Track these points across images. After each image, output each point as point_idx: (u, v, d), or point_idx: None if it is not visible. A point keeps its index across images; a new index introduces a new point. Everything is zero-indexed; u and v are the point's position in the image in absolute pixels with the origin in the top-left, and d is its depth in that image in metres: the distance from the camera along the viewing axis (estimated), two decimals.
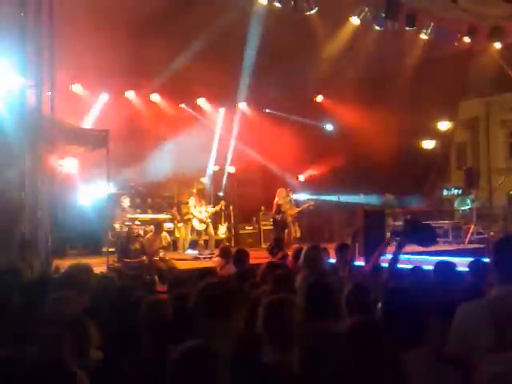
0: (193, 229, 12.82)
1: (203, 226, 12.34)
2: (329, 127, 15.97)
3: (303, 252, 5.45)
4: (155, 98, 15.12)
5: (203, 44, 11.40)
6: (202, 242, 12.30)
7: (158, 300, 3.39)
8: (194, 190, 12.98)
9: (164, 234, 10.34)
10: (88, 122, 13.40)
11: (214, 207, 13.00)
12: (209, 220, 12.51)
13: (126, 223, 11.19)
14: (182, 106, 15.42)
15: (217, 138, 16.06)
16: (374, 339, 2.31)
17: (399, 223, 15.13)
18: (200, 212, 12.42)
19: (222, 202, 13.18)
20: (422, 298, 2.77)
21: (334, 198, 15.38)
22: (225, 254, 7.80)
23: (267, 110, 16.30)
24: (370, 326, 2.38)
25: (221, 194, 15.20)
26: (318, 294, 3.36)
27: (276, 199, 13.17)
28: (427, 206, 15.87)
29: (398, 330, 2.44)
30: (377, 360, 2.24)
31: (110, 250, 10.80)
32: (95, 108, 13.98)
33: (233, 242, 14.49)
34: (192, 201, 12.58)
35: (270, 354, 2.52)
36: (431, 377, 2.30)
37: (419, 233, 4.39)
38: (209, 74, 12.91)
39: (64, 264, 7.11)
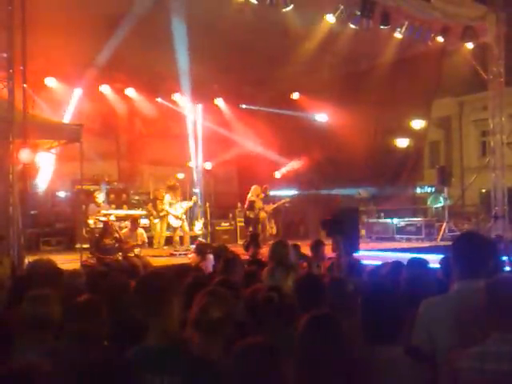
0: (168, 225, 12.74)
1: (179, 223, 12.27)
2: (310, 118, 15.94)
3: (270, 246, 5.54)
4: (130, 92, 14.94)
5: (179, 39, 11.32)
6: (177, 238, 12.23)
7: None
8: (171, 183, 12.86)
9: (140, 230, 10.24)
10: (62, 117, 13.19)
11: (188, 202, 12.91)
12: (183, 216, 12.42)
13: (101, 219, 11.04)
14: (159, 100, 15.33)
15: (193, 134, 15.95)
16: (329, 333, 2.30)
17: (372, 220, 15.32)
18: (175, 208, 12.33)
19: (195, 198, 13.15)
20: (399, 293, 2.79)
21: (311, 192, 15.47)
22: (200, 250, 7.82)
23: (243, 106, 16.26)
24: (324, 320, 2.36)
25: (196, 190, 15.09)
26: (309, 288, 3.41)
27: (249, 195, 13.15)
28: (400, 204, 16.02)
29: (377, 325, 2.43)
30: (331, 354, 2.23)
31: (84, 246, 10.66)
32: (69, 102, 13.75)
33: (209, 238, 14.45)
34: (167, 197, 12.51)
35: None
36: (404, 373, 2.30)
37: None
38: (185, 70, 12.85)
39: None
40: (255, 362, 2.09)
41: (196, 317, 2.60)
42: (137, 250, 9.91)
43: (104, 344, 2.90)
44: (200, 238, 13.00)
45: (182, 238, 12.49)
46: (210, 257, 7.76)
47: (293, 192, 15.77)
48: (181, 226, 12.34)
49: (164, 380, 2.23)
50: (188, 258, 8.91)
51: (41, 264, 4.54)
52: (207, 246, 8.26)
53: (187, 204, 12.70)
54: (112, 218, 10.45)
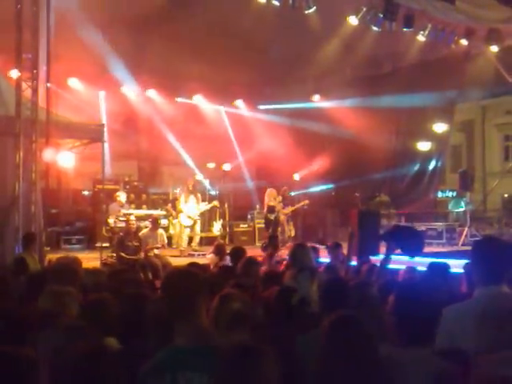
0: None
1: (190, 222, 12.28)
2: (325, 127, 15.92)
3: (290, 250, 5.46)
4: (152, 93, 15.08)
5: (200, 40, 11.39)
6: (185, 237, 12.25)
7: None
8: (190, 187, 12.89)
9: (160, 231, 10.30)
10: (85, 117, 13.35)
11: (207, 205, 12.93)
12: (197, 217, 12.38)
13: (121, 218, 11.13)
14: (179, 100, 15.41)
15: (213, 135, 16.03)
16: (354, 333, 2.29)
17: (390, 224, 15.22)
18: (190, 208, 12.34)
19: (216, 202, 13.11)
20: (435, 295, 2.76)
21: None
22: (219, 251, 7.86)
23: (261, 107, 16.30)
24: (350, 320, 2.36)
25: (213, 192, 15.15)
26: (336, 291, 3.43)
27: (266, 199, 13.20)
28: (422, 208, 15.89)
29: (410, 327, 2.41)
30: (357, 356, 2.22)
31: (104, 245, 10.74)
32: (92, 103, 13.92)
33: (227, 239, 14.45)
34: (182, 197, 12.55)
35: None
36: (431, 376, 2.29)
37: (406, 240, 4.45)
38: (205, 71, 12.90)
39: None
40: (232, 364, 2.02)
41: (214, 315, 2.60)
42: (157, 250, 9.97)
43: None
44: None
45: (191, 238, 12.50)
46: (227, 258, 7.82)
47: (313, 191, 15.61)
48: (193, 227, 12.34)
49: (203, 377, 2.24)
50: (206, 258, 8.91)
51: (64, 261, 4.60)
52: (225, 247, 8.30)
53: (205, 206, 12.71)
54: (132, 217, 10.55)
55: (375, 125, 14.61)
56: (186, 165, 15.63)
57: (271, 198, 13.14)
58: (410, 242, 4.52)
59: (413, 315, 2.40)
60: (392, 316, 2.47)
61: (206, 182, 14.87)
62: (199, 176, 14.31)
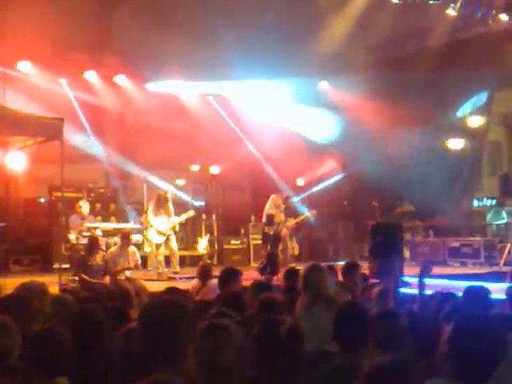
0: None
1: (161, 240, 12.24)
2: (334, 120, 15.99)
3: (303, 273, 5.38)
4: (121, 80, 15.03)
5: (183, 19, 11.41)
6: (160, 257, 12.25)
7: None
8: (169, 195, 12.89)
9: (132, 249, 10.29)
10: (38, 109, 13.28)
11: (182, 216, 12.80)
12: (170, 232, 12.34)
13: (84, 233, 11.11)
14: (152, 87, 15.39)
15: (198, 130, 15.96)
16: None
17: (418, 239, 15.25)
18: (160, 222, 12.27)
19: (191, 212, 13.11)
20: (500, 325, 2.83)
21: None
22: (204, 273, 7.77)
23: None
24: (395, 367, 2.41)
25: (195, 202, 15.23)
26: (352, 323, 3.48)
27: (266, 207, 13.14)
28: (454, 220, 15.94)
29: (470, 363, 2.49)
30: None
31: (64, 266, 10.71)
32: (49, 91, 13.77)
33: (215, 259, 14.54)
34: (151, 208, 12.50)
35: None
36: None
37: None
38: (188, 52, 12.92)
39: (6, 283, 7.01)
40: None
41: (205, 359, 2.57)
42: (128, 273, 9.97)
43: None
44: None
45: (167, 257, 12.49)
46: (214, 282, 7.77)
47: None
48: (166, 243, 12.35)
49: None
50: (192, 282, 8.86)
51: (28, 288, 4.56)
52: (211, 269, 8.26)
53: (179, 219, 12.66)
54: (98, 232, 10.53)
55: (395, 118, 14.71)
56: (165, 167, 15.64)
57: (273, 205, 13.11)
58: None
59: (475, 349, 2.48)
60: (448, 348, 2.54)
61: (182, 193, 15.00)
62: (180, 181, 14.35)
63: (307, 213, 14.26)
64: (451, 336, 2.56)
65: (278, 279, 7.76)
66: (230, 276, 6.24)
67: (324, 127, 16.11)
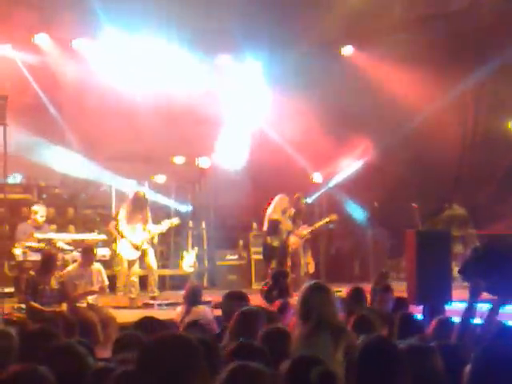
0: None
1: (135, 254, 12.34)
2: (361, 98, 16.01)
3: (301, 294, 5.51)
4: (80, 44, 14.99)
5: None
6: (134, 278, 12.31)
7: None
8: (147, 196, 12.93)
9: (97, 266, 10.36)
10: None
11: (162, 225, 12.81)
12: (147, 245, 12.44)
13: (34, 246, 11.12)
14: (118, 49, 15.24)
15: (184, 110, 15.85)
16: None
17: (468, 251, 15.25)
18: (134, 232, 12.31)
19: (176, 221, 13.10)
20: None
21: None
22: (192, 298, 7.95)
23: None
24: None
25: (179, 205, 15.33)
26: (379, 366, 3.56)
27: (269, 210, 13.18)
28: None
29: None
30: None
31: (7, 290, 10.84)
32: None
33: (205, 279, 14.63)
34: (123, 214, 12.51)
35: None
36: None
37: (498, 271, 4.68)
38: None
39: None
40: None
41: None
42: (92, 298, 10.04)
43: None
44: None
45: (145, 278, 12.58)
46: (205, 310, 7.85)
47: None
48: (142, 261, 12.41)
49: None
50: (175, 310, 8.91)
51: None
52: (201, 292, 8.41)
53: (158, 228, 12.72)
54: (61, 245, 10.61)
55: (441, 91, 14.80)
56: (139, 159, 15.74)
57: (279, 208, 13.12)
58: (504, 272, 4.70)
59: None
60: None
61: (161, 194, 15.08)
62: (160, 177, 14.38)
63: (326, 218, 14.32)
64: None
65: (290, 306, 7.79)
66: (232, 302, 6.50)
67: (348, 105, 16.19)
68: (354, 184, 16.25)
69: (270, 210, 13.16)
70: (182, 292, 8.56)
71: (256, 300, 9.77)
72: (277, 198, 13.25)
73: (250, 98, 16.58)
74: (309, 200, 15.25)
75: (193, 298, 7.95)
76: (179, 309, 8.14)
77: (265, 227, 13.26)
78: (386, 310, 7.39)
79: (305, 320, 5.29)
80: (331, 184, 16.44)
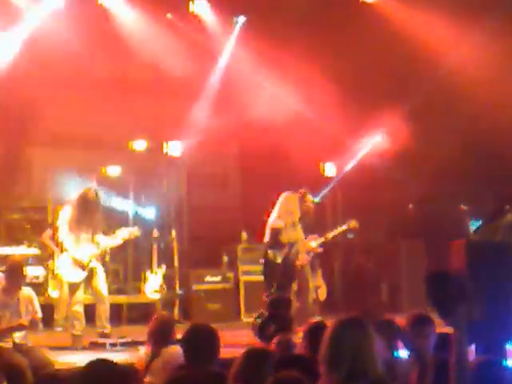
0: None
1: (79, 275, 12.22)
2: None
3: (327, 334, 5.29)
4: None
5: None
6: (78, 307, 12.14)
7: None
8: (98, 196, 12.75)
9: (26, 292, 10.16)
10: None
11: (115, 237, 12.56)
12: (95, 263, 12.33)
13: None
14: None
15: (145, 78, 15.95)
16: None
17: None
18: (78, 243, 12.18)
19: (133, 230, 12.82)
20: None
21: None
22: (162, 336, 7.81)
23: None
24: None
25: (141, 208, 15.35)
26: None
27: (273, 215, 13.05)
28: None
29: None
30: None
31: None
32: None
33: (176, 308, 14.58)
34: (63, 218, 12.39)
35: None
36: None
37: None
38: None
39: None
40: None
41: None
42: (20, 335, 9.82)
43: None
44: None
45: (90, 308, 12.43)
46: (179, 351, 7.50)
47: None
48: (88, 284, 12.32)
49: None
50: (138, 351, 8.92)
51: None
52: (172, 327, 8.20)
53: (112, 240, 12.58)
54: None
55: (499, 51, 14.68)
56: (85, 144, 15.79)
57: (286, 208, 13.05)
58: None
59: None
60: None
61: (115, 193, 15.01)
62: (113, 169, 14.61)
63: (343, 225, 14.08)
64: None
65: (295, 344, 7.59)
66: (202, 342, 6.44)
67: (371, 67, 16.16)
68: (379, 178, 16.31)
69: (273, 215, 13.13)
70: (146, 327, 8.33)
71: (246, 337, 10.22)
72: (282, 198, 13.18)
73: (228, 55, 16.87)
74: (318, 199, 15.20)
75: (162, 336, 7.74)
76: (143, 350, 8.05)
77: (266, 237, 13.16)
78: (424, 351, 7.14)
79: (333, 370, 5.13)
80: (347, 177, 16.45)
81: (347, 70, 15.95)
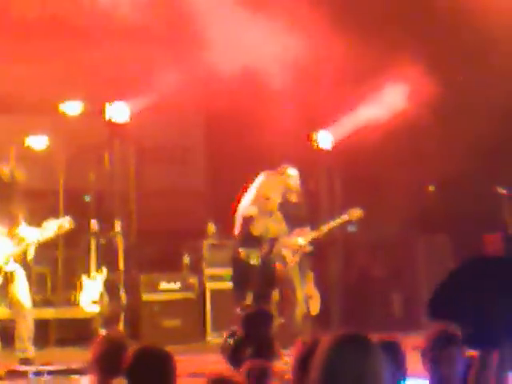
0: None
1: None
2: None
3: (321, 354, 5.04)
4: None
5: None
6: None
7: None
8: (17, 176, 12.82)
9: None
10: None
11: (43, 230, 12.64)
12: (14, 266, 12.37)
13: None
14: None
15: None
16: None
17: None
18: None
19: (65, 221, 12.86)
20: None
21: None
22: (109, 364, 7.57)
23: None
24: None
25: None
26: None
27: (246, 200, 13.14)
28: None
29: None
30: None
31: None
32: None
33: (121, 325, 14.53)
34: None
35: None
36: None
37: None
38: None
39: None
40: None
41: None
42: None
43: None
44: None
45: (8, 324, 12.72)
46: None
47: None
48: (7, 292, 12.36)
49: None
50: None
51: None
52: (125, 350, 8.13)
53: (38, 234, 12.61)
54: None
55: None
56: (1, 108, 15.88)
57: (262, 194, 13.09)
58: None
59: None
60: None
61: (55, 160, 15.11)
62: (35, 140, 14.56)
63: (342, 215, 14.16)
64: None
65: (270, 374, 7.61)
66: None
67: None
68: (391, 152, 16.37)
69: (246, 199, 13.23)
70: (83, 351, 8.52)
71: (213, 363, 10.22)
72: (261, 178, 13.27)
73: None
74: (307, 181, 15.08)
75: (110, 363, 7.40)
76: (85, 381, 8.17)
77: (236, 230, 13.23)
78: (449, 381, 7.22)
79: None
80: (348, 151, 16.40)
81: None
